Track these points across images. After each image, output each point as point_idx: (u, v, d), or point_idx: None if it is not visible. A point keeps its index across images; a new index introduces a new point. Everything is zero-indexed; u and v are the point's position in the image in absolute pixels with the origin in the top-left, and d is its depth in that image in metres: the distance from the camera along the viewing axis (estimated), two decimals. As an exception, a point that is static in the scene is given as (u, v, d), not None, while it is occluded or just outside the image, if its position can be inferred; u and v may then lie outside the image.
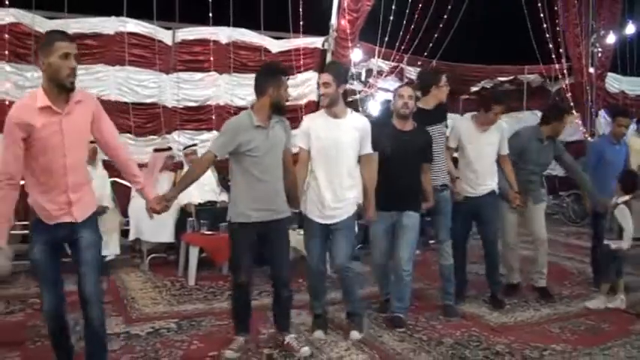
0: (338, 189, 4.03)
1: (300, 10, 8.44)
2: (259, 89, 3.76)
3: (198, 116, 8.17)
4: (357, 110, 9.09)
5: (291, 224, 4.61)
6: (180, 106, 8.10)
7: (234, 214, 3.79)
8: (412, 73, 10.15)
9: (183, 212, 6.27)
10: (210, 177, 6.58)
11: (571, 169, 5.50)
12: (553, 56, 10.51)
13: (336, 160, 4.02)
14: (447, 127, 4.89)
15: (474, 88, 10.61)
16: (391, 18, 9.10)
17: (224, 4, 8.18)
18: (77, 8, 7.67)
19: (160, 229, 6.22)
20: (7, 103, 6.86)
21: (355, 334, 4.16)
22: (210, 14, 8.14)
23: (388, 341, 4.16)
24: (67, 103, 2.97)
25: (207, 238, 5.69)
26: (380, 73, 9.82)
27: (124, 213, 6.56)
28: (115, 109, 7.76)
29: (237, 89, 8.23)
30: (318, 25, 8.84)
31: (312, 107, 8.84)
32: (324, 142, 4.02)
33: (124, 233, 6.43)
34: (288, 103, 8.48)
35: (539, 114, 10.90)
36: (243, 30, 8.43)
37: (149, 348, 3.96)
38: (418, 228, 4.50)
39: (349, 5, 8.73)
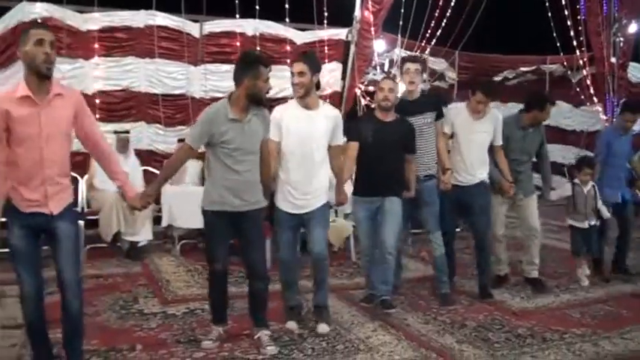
0: (310, 180, 4.02)
1: (325, 2, 8.57)
2: (236, 79, 3.65)
3: (225, 107, 8.35)
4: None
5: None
6: (208, 97, 8.26)
7: (207, 202, 3.75)
8: (435, 63, 10.25)
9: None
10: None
11: (540, 158, 5.48)
12: (575, 46, 10.51)
13: (309, 151, 4.00)
14: (437, 117, 4.82)
15: (496, 78, 10.66)
16: (413, 8, 9.18)
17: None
18: (108, 2, 7.90)
19: (191, 216, 6.41)
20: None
21: (324, 327, 4.09)
22: (237, 6, 8.28)
23: (413, 323, 4.34)
24: (47, 94, 2.98)
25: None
26: (403, 63, 9.90)
27: (156, 200, 6.78)
28: (146, 101, 8.04)
29: (264, 81, 8.37)
30: (341, 17, 8.95)
31: (336, 98, 9.00)
32: (297, 134, 3.99)
33: (157, 220, 6.66)
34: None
35: (562, 104, 11.02)
36: (268, 22, 8.58)
37: (186, 326, 4.19)
38: (401, 213, 4.49)
39: (373, -4, 8.84)
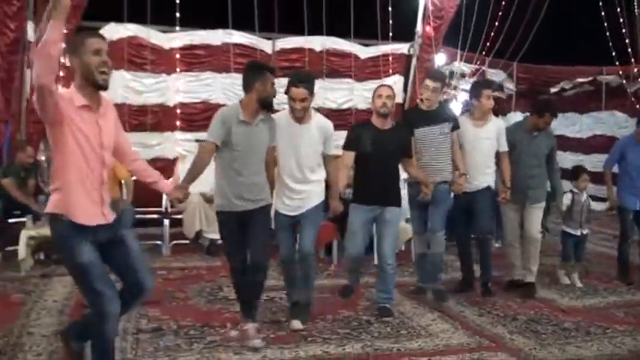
0: (302, 185, 4.26)
1: (388, 18, 9.10)
2: (247, 85, 3.87)
3: (295, 118, 8.96)
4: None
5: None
6: (280, 109, 8.88)
7: (217, 204, 4.07)
8: (494, 75, 10.58)
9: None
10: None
11: (548, 166, 5.45)
12: (631, 56, 10.56)
13: (300, 160, 4.21)
14: (453, 128, 4.99)
15: (553, 89, 10.89)
16: (473, 22, 9.54)
17: (318, 14, 8.87)
18: (188, 22, 8.54)
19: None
20: (126, 105, 7.98)
21: (297, 324, 4.32)
22: (305, 24, 8.85)
23: (469, 315, 4.83)
24: (100, 104, 2.97)
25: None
26: (462, 75, 10.27)
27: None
28: (222, 112, 8.71)
29: (329, 93, 8.85)
30: (404, 32, 9.41)
31: (398, 109, 9.46)
32: (288, 144, 4.18)
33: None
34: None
35: (618, 114, 11.13)
36: (335, 38, 9.10)
37: (267, 310, 4.79)
38: (399, 223, 4.73)
39: (434, 12, 9.25)
